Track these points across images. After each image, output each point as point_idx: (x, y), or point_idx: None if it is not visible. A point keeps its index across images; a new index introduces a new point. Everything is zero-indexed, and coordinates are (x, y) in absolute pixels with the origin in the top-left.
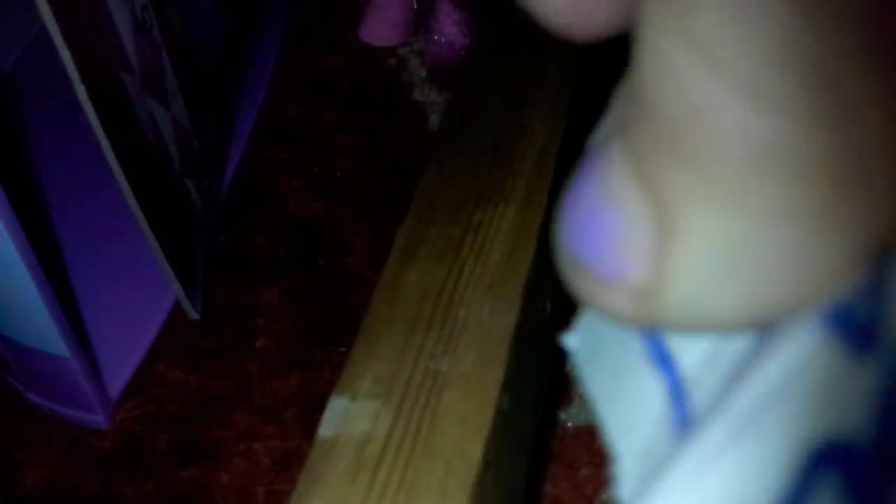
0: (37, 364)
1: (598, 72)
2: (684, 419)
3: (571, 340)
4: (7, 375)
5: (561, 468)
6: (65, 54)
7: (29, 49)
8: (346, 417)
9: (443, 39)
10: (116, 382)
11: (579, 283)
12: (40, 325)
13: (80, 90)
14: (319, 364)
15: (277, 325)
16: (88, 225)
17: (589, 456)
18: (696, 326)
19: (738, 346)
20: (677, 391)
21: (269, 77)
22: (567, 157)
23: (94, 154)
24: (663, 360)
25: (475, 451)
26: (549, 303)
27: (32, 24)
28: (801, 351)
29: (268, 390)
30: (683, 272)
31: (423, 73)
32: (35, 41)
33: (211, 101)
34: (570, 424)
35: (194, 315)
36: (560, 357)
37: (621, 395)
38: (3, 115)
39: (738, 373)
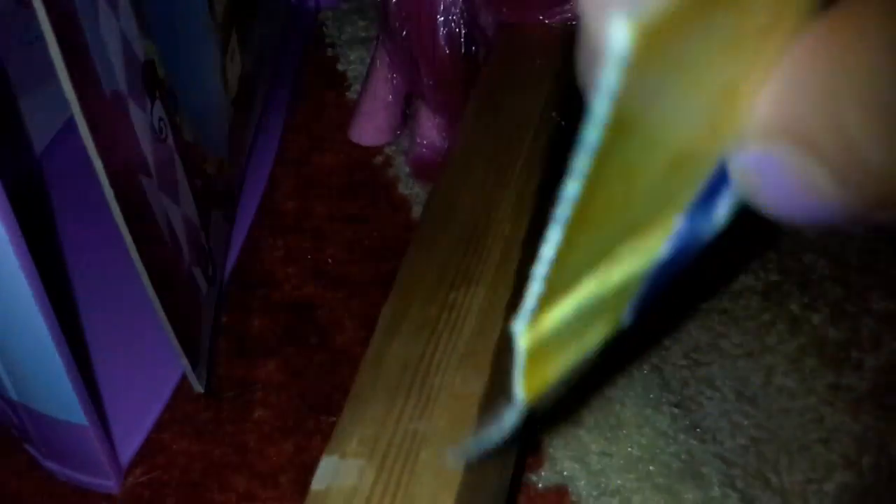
0: (57, 433)
1: (556, 169)
2: None
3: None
4: (27, 444)
5: None
6: (97, 163)
7: (60, 135)
8: (336, 473)
9: (424, 141)
10: (127, 450)
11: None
12: (63, 396)
13: (108, 191)
14: (311, 433)
15: (273, 398)
16: (105, 304)
17: None
18: None
19: None
20: None
21: (268, 174)
22: (532, 243)
23: (114, 241)
24: None
25: (448, 502)
26: None
27: (64, 112)
28: None
29: (264, 457)
30: None
31: (407, 170)
32: (66, 128)
33: (216, 198)
34: (540, 485)
35: (199, 388)
36: (531, 423)
37: None
38: (33, 199)
39: None
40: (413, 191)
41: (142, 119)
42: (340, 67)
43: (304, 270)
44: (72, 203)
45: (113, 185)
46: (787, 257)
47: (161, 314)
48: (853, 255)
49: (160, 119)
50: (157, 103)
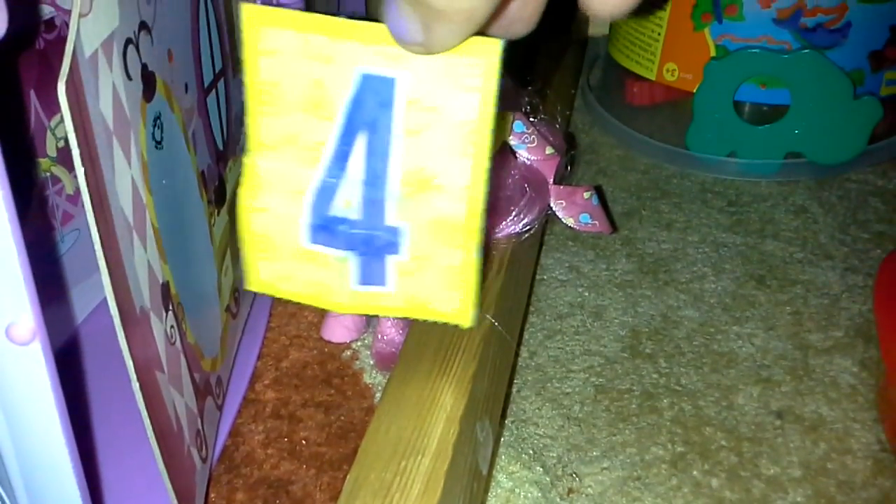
0: None
1: (496, 354)
2: None
3: None
4: None
5: None
6: (128, 361)
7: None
8: None
9: (384, 337)
10: None
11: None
12: None
13: (135, 383)
14: None
15: None
16: (119, 474)
17: None
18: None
19: None
20: None
21: (252, 368)
22: (469, 417)
23: (131, 419)
24: None
25: None
26: None
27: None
28: None
29: None
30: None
31: (371, 362)
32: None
33: (209, 389)
34: None
35: None
36: None
37: None
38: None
39: None
40: (376, 380)
41: (159, 327)
42: None
43: (280, 451)
44: (97, 376)
45: (138, 378)
46: (691, 431)
47: (167, 484)
48: (746, 428)
49: (171, 326)
50: (170, 314)
